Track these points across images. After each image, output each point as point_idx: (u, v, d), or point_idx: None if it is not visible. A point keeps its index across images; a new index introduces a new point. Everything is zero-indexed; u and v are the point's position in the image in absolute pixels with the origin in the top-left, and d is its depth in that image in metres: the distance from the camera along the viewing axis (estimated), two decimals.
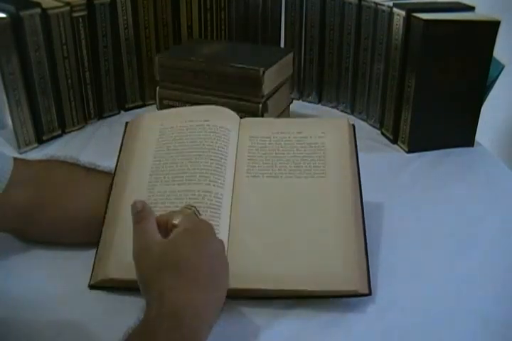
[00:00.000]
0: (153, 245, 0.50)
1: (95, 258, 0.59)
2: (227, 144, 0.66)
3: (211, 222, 0.57)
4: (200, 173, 0.62)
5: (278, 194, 0.63)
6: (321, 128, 0.69)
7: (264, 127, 0.70)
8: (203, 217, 0.57)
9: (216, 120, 0.68)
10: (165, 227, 0.53)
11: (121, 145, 0.68)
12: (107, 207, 0.62)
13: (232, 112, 0.71)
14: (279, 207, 0.61)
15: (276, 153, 0.66)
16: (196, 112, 0.70)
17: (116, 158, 0.66)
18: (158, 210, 0.59)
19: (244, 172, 0.65)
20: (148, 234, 0.51)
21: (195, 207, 0.56)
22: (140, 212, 0.53)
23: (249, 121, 0.71)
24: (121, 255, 0.57)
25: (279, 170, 0.65)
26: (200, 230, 0.52)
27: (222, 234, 0.58)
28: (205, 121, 0.67)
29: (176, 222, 0.52)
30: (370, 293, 0.56)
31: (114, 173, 0.65)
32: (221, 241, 0.53)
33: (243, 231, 0.59)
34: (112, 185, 0.64)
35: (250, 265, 0.57)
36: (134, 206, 0.54)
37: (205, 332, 0.46)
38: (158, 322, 0.44)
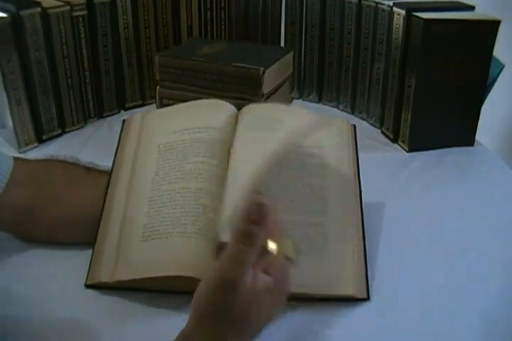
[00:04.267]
0: (240, 288, 0.43)
1: (91, 257, 0.59)
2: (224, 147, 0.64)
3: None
4: (200, 173, 0.61)
5: (277, 193, 0.62)
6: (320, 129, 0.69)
7: (262, 122, 0.68)
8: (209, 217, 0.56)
9: (212, 120, 0.66)
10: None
11: (118, 143, 0.68)
12: (103, 207, 0.62)
13: (229, 106, 0.68)
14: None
15: (274, 150, 0.66)
16: (193, 110, 0.69)
17: None
18: (163, 206, 0.59)
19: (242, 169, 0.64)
20: (243, 269, 0.43)
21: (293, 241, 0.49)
22: (256, 235, 0.42)
23: (246, 112, 0.68)
24: (114, 257, 0.57)
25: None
26: (283, 291, 0.48)
27: None
28: (199, 129, 0.65)
29: (272, 247, 0.45)
30: (368, 298, 0.56)
31: (111, 172, 0.64)
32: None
33: None
34: (108, 183, 0.63)
35: None
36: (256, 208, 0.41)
37: None
38: None
